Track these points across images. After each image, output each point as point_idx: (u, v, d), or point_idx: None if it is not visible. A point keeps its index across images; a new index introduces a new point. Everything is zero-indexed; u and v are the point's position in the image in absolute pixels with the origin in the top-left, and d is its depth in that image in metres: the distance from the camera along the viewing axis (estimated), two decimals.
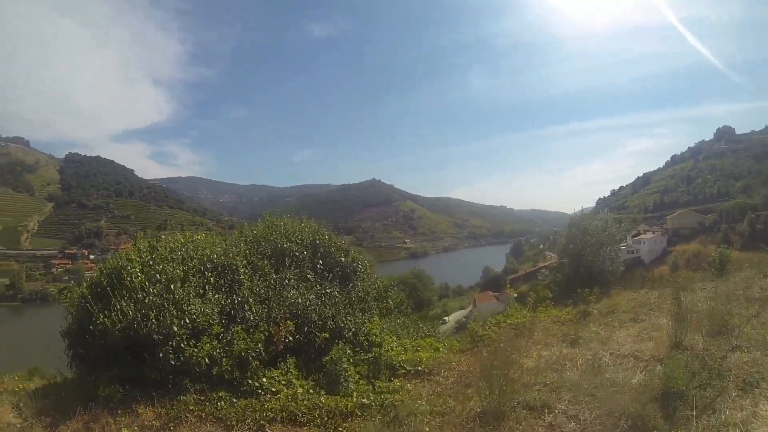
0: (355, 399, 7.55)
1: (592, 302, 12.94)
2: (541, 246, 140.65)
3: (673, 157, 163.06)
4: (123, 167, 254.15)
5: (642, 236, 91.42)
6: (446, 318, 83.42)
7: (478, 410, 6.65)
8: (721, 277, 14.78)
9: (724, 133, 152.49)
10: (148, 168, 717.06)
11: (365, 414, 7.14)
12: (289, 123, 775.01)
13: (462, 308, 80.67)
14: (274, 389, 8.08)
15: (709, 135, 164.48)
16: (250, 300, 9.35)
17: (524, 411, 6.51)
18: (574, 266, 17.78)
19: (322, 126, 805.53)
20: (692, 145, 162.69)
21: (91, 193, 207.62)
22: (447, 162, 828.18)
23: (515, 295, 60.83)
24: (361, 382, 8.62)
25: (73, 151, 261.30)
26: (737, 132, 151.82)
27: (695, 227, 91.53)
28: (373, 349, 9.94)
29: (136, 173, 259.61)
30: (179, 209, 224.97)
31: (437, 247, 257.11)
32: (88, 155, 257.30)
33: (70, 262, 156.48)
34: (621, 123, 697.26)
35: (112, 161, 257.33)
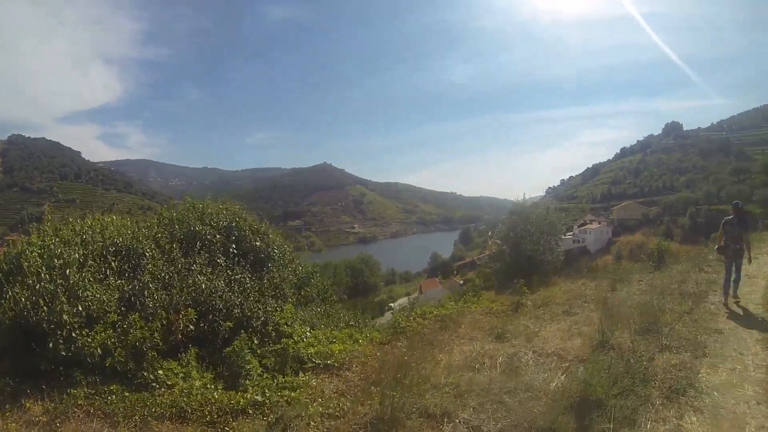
0: (249, 395, 6.81)
1: (527, 293, 12.42)
2: (490, 233, 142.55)
3: (623, 150, 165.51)
4: (69, 149, 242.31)
5: (588, 226, 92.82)
6: (392, 304, 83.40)
7: (373, 415, 5.80)
8: (659, 269, 14.58)
9: (672, 129, 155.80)
10: (97, 150, 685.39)
11: (257, 412, 6.43)
12: (242, 106, 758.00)
13: (408, 294, 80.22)
14: (169, 382, 7.29)
15: (658, 129, 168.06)
16: (151, 286, 8.46)
17: (421, 419, 5.69)
18: (513, 255, 17.30)
19: (276, 109, 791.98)
20: (641, 138, 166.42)
21: (35, 176, 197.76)
22: (399, 148, 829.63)
23: (462, 281, 61.02)
24: (265, 375, 7.88)
25: (16, 133, 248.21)
26: (685, 128, 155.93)
27: (640, 219, 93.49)
28: (282, 340, 9.15)
29: (84, 156, 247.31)
30: (127, 193, 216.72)
31: (386, 233, 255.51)
32: (33, 137, 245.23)
33: None
34: (578, 113, 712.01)
35: (59, 143, 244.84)
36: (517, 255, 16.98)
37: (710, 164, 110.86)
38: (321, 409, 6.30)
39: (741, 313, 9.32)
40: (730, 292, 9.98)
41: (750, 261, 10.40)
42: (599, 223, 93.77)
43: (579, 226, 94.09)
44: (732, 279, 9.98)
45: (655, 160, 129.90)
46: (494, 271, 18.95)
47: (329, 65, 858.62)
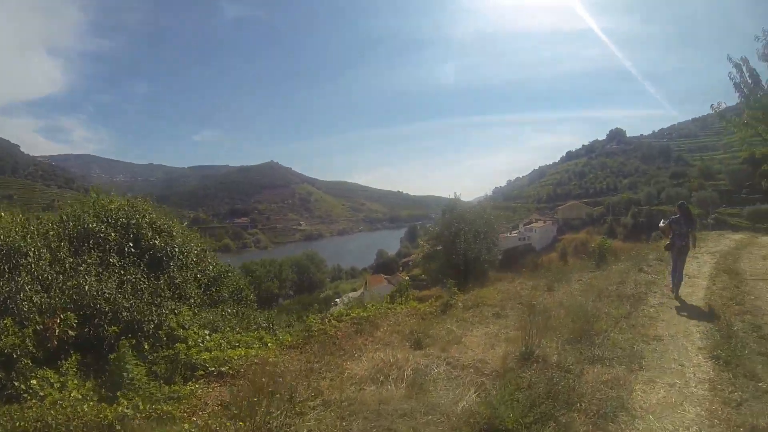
0: (120, 408, 5.85)
1: (457, 294, 11.54)
2: (429, 228, 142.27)
3: (568, 153, 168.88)
4: (7, 142, 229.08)
5: (534, 225, 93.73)
6: (337, 300, 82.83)
7: None
8: (599, 268, 14.17)
9: (616, 135, 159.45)
10: (37, 144, 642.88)
11: (125, 427, 5.48)
12: (191, 101, 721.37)
13: (354, 290, 79.38)
14: (42, 393, 6.46)
15: (602, 135, 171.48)
16: (27, 288, 7.55)
17: None
18: (448, 254, 16.34)
19: (225, 106, 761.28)
20: (587, 143, 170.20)
21: None
22: (347, 147, 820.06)
23: (407, 277, 60.57)
24: (152, 384, 6.91)
25: None
26: (628, 135, 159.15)
27: (584, 218, 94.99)
28: (176, 344, 8.18)
29: (23, 149, 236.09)
30: (69, 189, 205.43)
31: (333, 230, 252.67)
32: None
33: None
34: (529, 118, 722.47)
35: None
36: (452, 254, 16.04)
37: (651, 168, 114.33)
38: (187, 427, 5.33)
39: (684, 314, 8.59)
40: (672, 293, 10.05)
41: (694, 245, 10.76)
42: (545, 222, 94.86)
43: (525, 225, 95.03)
44: (676, 274, 10.19)
45: (600, 164, 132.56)
46: (429, 271, 17.94)
47: (279, 64, 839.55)
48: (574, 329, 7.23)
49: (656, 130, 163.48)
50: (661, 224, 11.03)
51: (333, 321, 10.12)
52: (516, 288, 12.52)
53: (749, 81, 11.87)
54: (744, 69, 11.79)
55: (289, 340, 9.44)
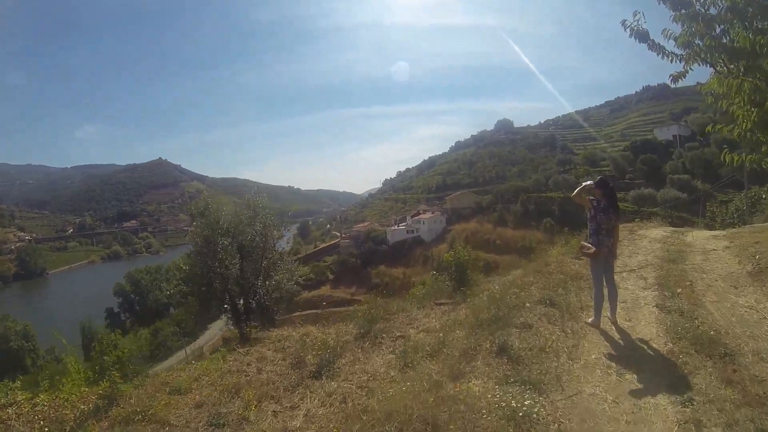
0: None
1: (117, 382, 5.91)
2: (328, 225, 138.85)
3: (457, 143, 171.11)
4: None
5: (422, 216, 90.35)
6: (226, 306, 75.40)
7: None
8: (456, 296, 9.47)
9: (504, 125, 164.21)
10: None
11: None
12: (72, 94, 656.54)
13: None
14: None
15: (490, 126, 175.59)
16: None
17: None
18: (206, 281, 10.17)
19: (108, 99, 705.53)
20: (475, 133, 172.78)
21: None
22: (236, 141, 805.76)
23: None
24: None
25: None
26: (515, 125, 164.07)
27: (473, 207, 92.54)
28: None
29: None
30: None
31: None
32: None
33: None
34: (417, 110, 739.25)
35: None
36: (202, 284, 9.97)
37: (538, 157, 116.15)
38: None
39: None
40: (607, 313, 6.96)
41: (615, 253, 7.45)
42: (433, 213, 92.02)
43: (412, 216, 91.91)
44: (606, 291, 6.99)
45: (488, 153, 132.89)
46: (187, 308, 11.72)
47: (166, 54, 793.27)
48: None
49: (542, 121, 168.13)
50: (578, 189, 7.60)
51: None
52: (278, 353, 7.52)
53: None
54: None
55: None
